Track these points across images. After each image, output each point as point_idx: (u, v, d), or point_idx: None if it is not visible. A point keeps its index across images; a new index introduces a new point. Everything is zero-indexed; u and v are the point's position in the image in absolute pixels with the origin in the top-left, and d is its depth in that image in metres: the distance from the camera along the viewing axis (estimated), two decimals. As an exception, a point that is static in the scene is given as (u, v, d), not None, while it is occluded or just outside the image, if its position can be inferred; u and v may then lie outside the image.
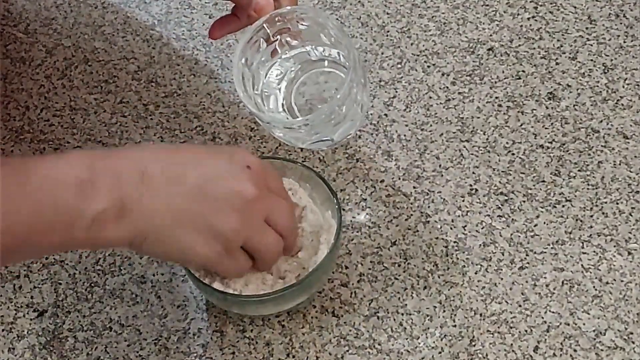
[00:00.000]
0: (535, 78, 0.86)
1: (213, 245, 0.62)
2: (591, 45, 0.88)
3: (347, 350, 0.70)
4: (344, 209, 0.78)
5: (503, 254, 0.75)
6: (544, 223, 0.76)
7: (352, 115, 0.69)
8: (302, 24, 0.71)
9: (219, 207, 0.62)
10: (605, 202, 0.77)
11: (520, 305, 0.72)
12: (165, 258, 0.72)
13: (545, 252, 0.75)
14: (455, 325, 0.71)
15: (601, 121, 0.83)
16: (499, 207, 0.78)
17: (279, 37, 0.71)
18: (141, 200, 0.60)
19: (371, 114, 0.84)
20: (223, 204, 0.62)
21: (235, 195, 0.62)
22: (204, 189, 0.62)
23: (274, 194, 0.66)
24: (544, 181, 0.79)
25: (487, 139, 0.82)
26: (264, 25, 0.70)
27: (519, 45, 0.89)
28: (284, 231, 0.66)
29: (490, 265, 0.74)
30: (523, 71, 0.87)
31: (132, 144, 0.82)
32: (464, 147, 0.82)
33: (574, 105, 0.84)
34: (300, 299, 0.70)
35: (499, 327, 0.71)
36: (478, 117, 0.83)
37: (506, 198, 0.78)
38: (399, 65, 0.88)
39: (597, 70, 0.86)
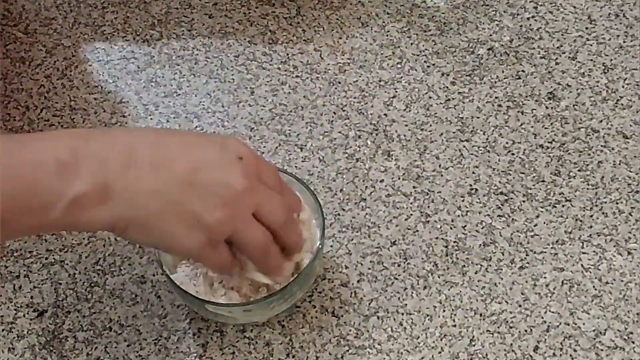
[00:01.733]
0: (535, 78, 0.86)
1: (197, 235, 0.61)
2: (591, 45, 0.88)
3: (347, 350, 0.70)
4: (343, 209, 0.78)
5: (503, 254, 0.75)
6: (544, 223, 0.76)
7: None
8: None
9: (205, 197, 0.60)
10: (605, 202, 0.77)
11: (520, 305, 0.72)
12: (148, 245, 0.71)
13: (545, 252, 0.75)
14: (455, 325, 0.71)
15: (601, 121, 0.83)
16: (499, 207, 0.78)
17: None
18: (126, 184, 0.59)
19: (371, 114, 0.84)
20: (210, 194, 0.60)
21: (223, 186, 0.60)
22: (191, 177, 0.60)
23: (267, 187, 0.64)
24: (544, 181, 0.79)
25: (487, 138, 0.82)
26: None
27: (519, 45, 0.89)
28: (274, 225, 0.63)
29: (490, 265, 0.74)
30: (523, 71, 0.87)
31: (120, 128, 0.79)
32: (464, 147, 0.82)
33: (573, 105, 0.84)
34: (281, 309, 0.69)
35: (499, 327, 0.71)
36: (478, 117, 0.84)
37: (506, 198, 0.78)
38: (399, 65, 0.88)
39: (597, 70, 0.86)
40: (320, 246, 0.68)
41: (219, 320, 0.71)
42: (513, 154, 0.81)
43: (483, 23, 0.91)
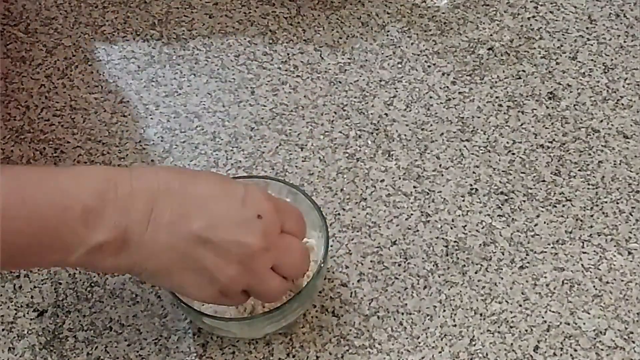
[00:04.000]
0: (535, 78, 0.86)
1: (208, 289, 0.62)
2: (591, 45, 0.88)
3: (347, 350, 0.70)
4: (343, 209, 0.78)
5: (503, 254, 0.75)
6: (544, 223, 0.76)
7: None
8: None
9: (219, 255, 0.60)
10: (606, 202, 0.77)
11: (520, 305, 0.72)
12: (164, 288, 0.73)
13: (545, 252, 0.75)
14: (455, 325, 0.71)
15: (601, 121, 0.83)
16: (499, 207, 0.77)
17: None
18: (142, 238, 0.60)
19: (371, 114, 0.84)
20: (224, 252, 0.60)
21: (238, 246, 0.61)
22: (207, 235, 0.60)
23: (289, 235, 0.64)
24: (544, 181, 0.79)
25: (487, 138, 0.82)
26: None
27: (519, 45, 0.89)
28: (290, 276, 0.65)
29: (490, 265, 0.74)
30: (523, 71, 0.87)
31: (146, 167, 0.78)
32: (464, 146, 0.81)
33: (574, 105, 0.84)
34: (279, 325, 0.69)
35: (499, 327, 0.71)
36: (478, 117, 0.83)
37: (506, 198, 0.78)
38: (399, 65, 0.88)
39: (597, 70, 0.86)
40: (322, 264, 0.67)
41: (216, 334, 0.71)
42: (513, 154, 0.81)
43: (483, 23, 0.91)
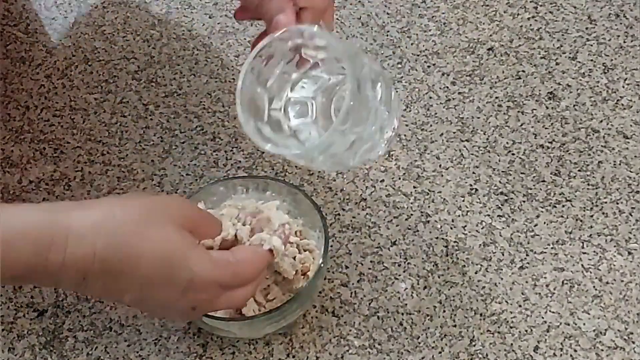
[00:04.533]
0: (535, 78, 0.86)
1: (177, 319, 0.66)
2: (591, 45, 0.88)
3: (347, 350, 0.70)
4: (343, 209, 0.78)
5: (503, 254, 0.75)
6: (544, 223, 0.76)
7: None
8: (319, 54, 0.63)
9: (161, 311, 0.64)
10: (605, 202, 0.77)
11: (520, 305, 0.72)
12: None
13: (545, 252, 0.75)
14: (455, 325, 0.71)
15: (601, 121, 0.83)
16: (499, 207, 0.78)
17: (301, 50, 0.63)
18: (89, 290, 0.59)
19: (371, 114, 0.84)
20: (164, 310, 0.62)
21: (173, 307, 0.61)
22: (139, 307, 0.66)
23: (228, 294, 0.61)
24: (544, 181, 0.79)
25: (487, 138, 0.82)
26: (279, 38, 0.62)
27: (519, 45, 0.89)
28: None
29: (490, 265, 0.74)
30: (523, 71, 0.87)
31: (91, 220, 0.60)
32: (464, 147, 0.82)
33: (574, 105, 0.84)
34: (279, 325, 0.69)
35: (499, 327, 0.71)
36: (478, 117, 0.84)
37: (506, 198, 0.78)
38: (399, 65, 0.88)
39: (597, 70, 0.86)
40: (322, 264, 0.67)
41: (216, 334, 0.71)
42: (513, 154, 0.81)
43: (483, 23, 0.91)
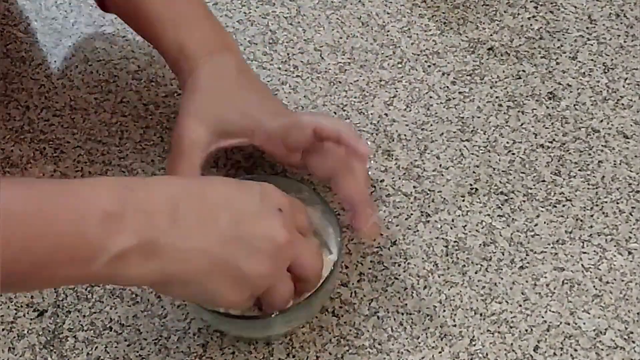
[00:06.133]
0: (535, 78, 0.86)
1: (241, 291, 0.61)
2: (591, 45, 0.88)
3: (347, 350, 0.70)
4: (343, 209, 0.78)
5: (503, 254, 0.75)
6: (544, 223, 0.76)
7: None
8: None
9: (251, 252, 0.60)
10: (606, 202, 0.77)
11: (520, 305, 0.72)
12: (186, 299, 0.69)
13: (545, 252, 0.75)
14: (455, 325, 0.71)
15: (601, 121, 0.83)
16: (499, 207, 0.77)
17: None
18: (172, 241, 0.58)
19: (371, 114, 0.84)
20: (254, 249, 0.60)
21: (268, 239, 0.60)
22: (237, 231, 0.60)
23: (301, 234, 0.64)
24: (544, 181, 0.79)
25: (487, 138, 0.82)
26: None
27: (519, 45, 0.89)
28: (308, 276, 0.65)
29: (490, 265, 0.74)
30: (523, 71, 0.87)
31: (160, 177, 0.76)
32: (464, 146, 0.82)
33: (574, 105, 0.84)
34: (295, 324, 0.69)
35: (499, 327, 0.71)
36: (478, 117, 0.83)
37: (506, 198, 0.78)
38: (399, 65, 0.88)
39: (597, 70, 0.86)
40: (335, 265, 0.68)
41: (220, 329, 0.71)
42: (513, 154, 0.81)
43: (483, 23, 0.91)
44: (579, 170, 0.80)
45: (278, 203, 0.62)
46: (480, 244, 0.75)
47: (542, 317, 0.71)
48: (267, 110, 0.73)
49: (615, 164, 0.80)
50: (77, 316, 0.73)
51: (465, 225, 0.77)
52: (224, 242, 0.59)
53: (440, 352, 0.70)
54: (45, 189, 0.57)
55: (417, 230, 0.76)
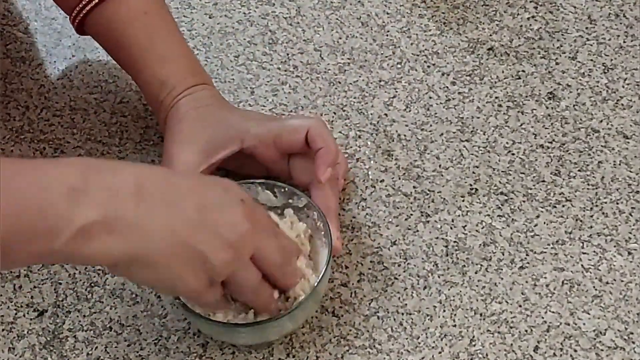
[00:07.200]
0: (535, 78, 0.86)
1: (201, 276, 0.61)
2: (591, 45, 0.88)
3: (347, 350, 0.70)
4: (344, 209, 0.78)
5: (503, 254, 0.75)
6: (544, 223, 0.76)
7: None
8: None
9: (214, 238, 0.60)
10: (605, 202, 0.77)
11: (520, 305, 0.72)
12: (146, 284, 0.69)
13: (545, 252, 0.75)
14: (455, 325, 0.71)
15: (601, 121, 0.83)
16: (499, 207, 0.78)
17: None
18: (137, 218, 0.58)
19: (371, 114, 0.84)
20: (217, 235, 0.60)
21: (230, 227, 0.61)
22: (201, 217, 0.60)
23: (269, 223, 0.66)
24: (544, 181, 0.79)
25: (487, 138, 0.82)
26: None
27: (519, 45, 0.89)
28: (270, 268, 0.65)
29: (490, 265, 0.74)
30: (523, 71, 0.87)
31: (127, 162, 0.78)
32: (464, 147, 0.82)
33: (574, 105, 0.84)
34: (286, 329, 0.69)
35: (499, 327, 0.71)
36: (478, 117, 0.84)
37: (506, 198, 0.78)
38: (399, 65, 0.88)
39: (597, 70, 0.86)
40: (325, 271, 0.68)
41: (214, 337, 0.71)
42: (513, 154, 0.81)
43: (483, 23, 0.91)
44: (579, 170, 0.80)
45: (240, 195, 0.63)
46: (480, 244, 0.75)
47: (542, 318, 0.71)
48: (253, 118, 0.76)
49: (615, 165, 0.80)
50: (77, 316, 0.73)
51: (465, 226, 0.77)
52: (188, 226, 0.60)
53: (440, 352, 0.70)
54: (9, 167, 0.57)
55: (417, 231, 0.76)
